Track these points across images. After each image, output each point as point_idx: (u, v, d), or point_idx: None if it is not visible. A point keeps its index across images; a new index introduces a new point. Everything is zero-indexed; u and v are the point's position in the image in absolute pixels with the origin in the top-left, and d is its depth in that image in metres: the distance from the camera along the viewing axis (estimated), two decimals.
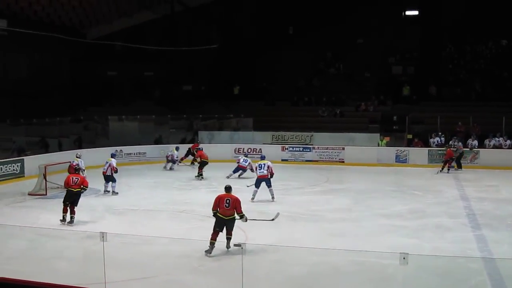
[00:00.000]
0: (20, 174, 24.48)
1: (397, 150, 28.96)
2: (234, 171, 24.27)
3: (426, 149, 28.75)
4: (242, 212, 13.29)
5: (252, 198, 19.00)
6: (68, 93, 36.47)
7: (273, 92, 38.48)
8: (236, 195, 13.23)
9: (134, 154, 27.37)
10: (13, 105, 30.79)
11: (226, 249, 12.88)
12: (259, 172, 19.48)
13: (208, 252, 12.59)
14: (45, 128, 30.20)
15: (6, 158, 24.68)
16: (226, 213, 13.02)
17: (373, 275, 11.21)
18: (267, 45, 39.03)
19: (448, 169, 26.06)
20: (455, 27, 37.77)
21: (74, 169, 19.62)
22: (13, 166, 24.27)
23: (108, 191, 20.97)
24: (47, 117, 29.65)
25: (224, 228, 12.99)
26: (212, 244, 12.65)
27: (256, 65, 39.71)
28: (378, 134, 30.51)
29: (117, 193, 20.93)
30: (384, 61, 38.66)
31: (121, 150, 25.54)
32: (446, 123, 30.12)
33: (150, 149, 30.32)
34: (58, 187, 21.47)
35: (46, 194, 20.70)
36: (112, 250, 10.78)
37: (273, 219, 15.21)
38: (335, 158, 29.48)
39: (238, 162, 24.46)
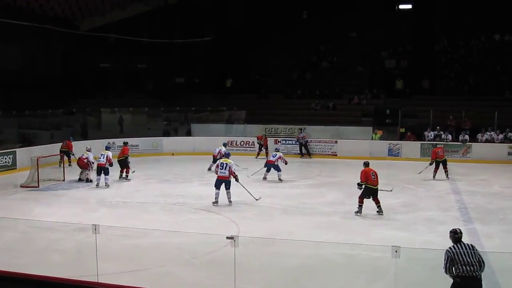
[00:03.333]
0: (12, 166, 24.41)
1: (390, 143, 29.04)
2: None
3: (419, 142, 28.82)
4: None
5: (214, 201, 17.58)
6: (60, 85, 36.38)
7: (266, 85, 38.48)
8: None
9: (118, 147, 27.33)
10: (5, 96, 30.69)
11: (379, 214, 16.23)
12: (220, 173, 17.56)
13: (359, 212, 16.23)
14: (37, 120, 30.16)
15: None
16: (374, 183, 16.25)
17: (365, 268, 11.24)
18: (260, 38, 39.02)
19: None
20: (448, 21, 37.88)
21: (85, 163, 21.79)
22: (5, 158, 24.19)
23: (98, 184, 21.04)
24: (39, 109, 29.56)
25: (371, 197, 16.30)
26: (360, 206, 16.27)
27: (249, 58, 39.69)
28: (371, 128, 30.57)
29: (109, 185, 21.03)
30: (377, 55, 38.65)
31: (113, 143, 25.49)
32: (439, 117, 30.18)
33: (142, 142, 30.31)
34: (50, 180, 21.71)
35: (38, 186, 20.72)
36: (105, 243, 10.78)
37: (391, 190, 17.73)
38: (328, 152, 29.52)
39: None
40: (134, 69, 41.00)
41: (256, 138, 29.81)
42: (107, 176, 21.09)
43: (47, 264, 11.31)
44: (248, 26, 39.97)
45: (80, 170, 22.24)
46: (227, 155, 18.85)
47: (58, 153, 24.88)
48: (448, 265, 8.43)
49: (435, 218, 16.11)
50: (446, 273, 8.48)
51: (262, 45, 39.32)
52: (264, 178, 22.13)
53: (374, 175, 16.23)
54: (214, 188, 17.65)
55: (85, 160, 21.94)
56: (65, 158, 25.24)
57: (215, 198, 17.60)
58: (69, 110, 32.79)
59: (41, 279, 9.09)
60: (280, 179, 21.85)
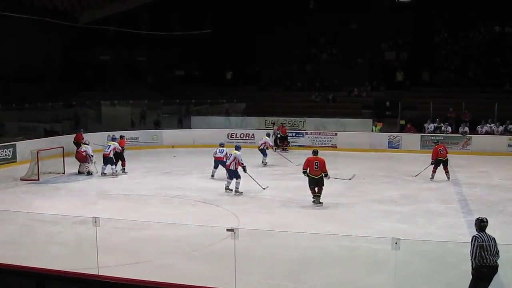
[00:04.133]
0: (12, 159, 24.41)
1: (390, 135, 29.03)
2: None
3: (419, 134, 28.82)
4: (326, 171, 16.45)
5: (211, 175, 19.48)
6: (60, 78, 36.35)
7: (266, 77, 38.45)
8: None
9: (126, 139, 27.29)
10: (5, 90, 30.66)
11: (318, 204, 16.32)
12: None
13: (316, 202, 16.39)
14: (36, 113, 30.15)
15: None
16: (316, 173, 16.27)
17: (365, 260, 11.26)
18: (260, 30, 38.90)
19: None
20: (448, 13, 37.76)
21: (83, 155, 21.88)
22: (5, 151, 24.19)
23: (105, 173, 21.73)
24: (38, 102, 29.56)
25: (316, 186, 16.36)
26: (314, 196, 16.44)
27: (249, 51, 39.60)
28: (371, 120, 30.60)
29: (117, 175, 21.80)
30: (377, 47, 38.60)
31: (113, 135, 25.49)
32: (439, 109, 30.19)
33: (142, 134, 30.30)
34: (50, 173, 21.75)
35: (38, 179, 20.74)
36: (105, 235, 10.78)
37: (350, 179, 18.23)
38: (328, 144, 29.52)
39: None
40: (134, 61, 40.97)
41: (277, 130, 29.97)
42: (113, 166, 21.70)
43: (47, 257, 11.32)
44: (248, 18, 39.83)
45: (79, 163, 22.30)
46: (237, 148, 19.07)
47: (58, 145, 24.88)
48: (478, 251, 8.40)
49: (435, 210, 16.13)
50: (473, 260, 8.44)
51: (262, 38, 39.19)
52: (212, 176, 21.01)
53: (317, 165, 16.33)
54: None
55: (84, 153, 21.99)
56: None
57: (226, 186, 18.58)
58: (68, 103, 32.76)
59: (42, 272, 9.12)
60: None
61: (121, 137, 23.63)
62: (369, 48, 38.42)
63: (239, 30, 39.06)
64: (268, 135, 25.66)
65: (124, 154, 22.63)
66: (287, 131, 29.87)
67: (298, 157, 24.16)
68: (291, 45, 39.03)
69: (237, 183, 18.16)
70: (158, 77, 40.51)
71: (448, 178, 20.46)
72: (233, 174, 18.25)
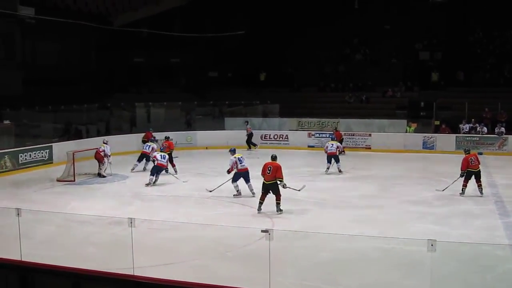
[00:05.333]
0: (49, 161, 24.76)
1: (424, 136, 28.77)
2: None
3: (454, 135, 28.53)
4: (281, 178, 15.67)
5: (237, 194, 18.18)
6: (95, 80, 36.79)
7: (299, 78, 38.39)
8: None
9: (160, 140, 27.51)
10: (41, 92, 31.11)
11: (278, 212, 15.53)
12: (242, 166, 18.00)
13: (258, 209, 15.70)
14: (72, 115, 30.53)
15: (35, 145, 24.88)
16: (267, 178, 15.67)
17: (400, 261, 11.16)
18: (293, 31, 38.91)
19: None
20: (482, 11, 37.32)
21: (102, 155, 21.91)
22: (42, 153, 24.54)
23: (134, 166, 23.05)
24: (74, 104, 29.94)
25: (271, 193, 15.64)
26: (260, 203, 15.71)
27: (283, 52, 39.60)
28: (405, 121, 30.35)
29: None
30: (411, 47, 38.30)
31: (154, 137, 25.82)
32: (474, 109, 29.83)
33: (177, 136, 30.42)
34: (86, 174, 22.00)
35: (74, 180, 20.99)
36: (140, 236, 10.85)
37: (299, 190, 16.59)
38: (362, 145, 29.40)
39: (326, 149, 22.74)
40: (168, 63, 41.24)
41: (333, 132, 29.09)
42: (147, 162, 22.89)
43: (83, 257, 11.42)
44: (281, 19, 39.87)
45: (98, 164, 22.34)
46: (232, 151, 18.87)
47: (94, 147, 25.06)
48: None
49: (471, 211, 15.96)
50: None
51: (295, 38, 39.20)
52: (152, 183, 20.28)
53: (269, 170, 15.65)
54: (233, 182, 18.14)
55: (102, 153, 22.05)
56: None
57: (237, 191, 18.12)
58: (103, 105, 33.12)
59: (78, 272, 9.23)
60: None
61: (167, 138, 24.27)
62: (403, 48, 38.19)
63: (272, 31, 39.14)
64: (333, 138, 24.98)
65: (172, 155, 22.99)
66: (342, 135, 28.21)
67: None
68: (324, 46, 38.97)
69: (250, 185, 17.95)
70: (191, 79, 40.74)
71: (481, 192, 17.87)
72: (247, 176, 18.06)
